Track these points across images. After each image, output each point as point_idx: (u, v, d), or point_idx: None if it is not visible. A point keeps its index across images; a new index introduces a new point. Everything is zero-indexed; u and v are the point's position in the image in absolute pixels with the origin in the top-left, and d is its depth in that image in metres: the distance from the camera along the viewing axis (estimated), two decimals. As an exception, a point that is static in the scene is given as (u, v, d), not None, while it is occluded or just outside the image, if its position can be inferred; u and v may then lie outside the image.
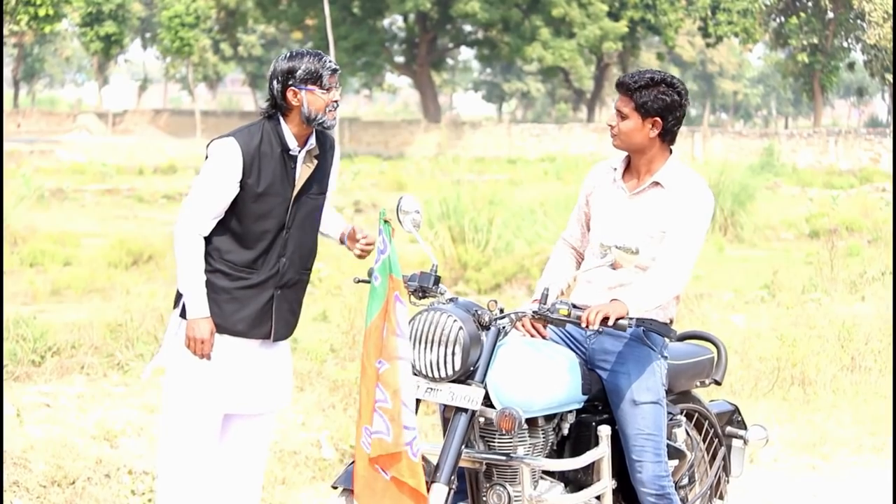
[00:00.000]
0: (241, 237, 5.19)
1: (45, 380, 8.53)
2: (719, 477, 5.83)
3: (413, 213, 5.10)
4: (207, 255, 5.18)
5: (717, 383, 5.75)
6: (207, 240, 5.19)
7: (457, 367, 4.65)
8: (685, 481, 5.52)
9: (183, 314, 5.21)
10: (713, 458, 5.82)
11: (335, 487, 4.68)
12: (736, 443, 5.92)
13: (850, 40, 57.69)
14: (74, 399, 8.05)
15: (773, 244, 21.39)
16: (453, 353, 4.65)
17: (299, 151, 5.25)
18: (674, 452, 5.28)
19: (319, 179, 5.34)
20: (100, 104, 79.71)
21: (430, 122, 60.85)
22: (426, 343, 4.69)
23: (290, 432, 7.78)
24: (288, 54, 5.25)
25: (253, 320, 5.20)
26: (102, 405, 7.94)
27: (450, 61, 79.99)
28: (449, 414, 4.71)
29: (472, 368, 4.70)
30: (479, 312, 4.75)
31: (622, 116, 4.94)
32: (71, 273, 15.31)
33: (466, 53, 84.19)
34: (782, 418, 8.79)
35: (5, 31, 59.02)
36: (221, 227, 5.19)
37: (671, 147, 5.01)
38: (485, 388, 4.68)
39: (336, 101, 5.22)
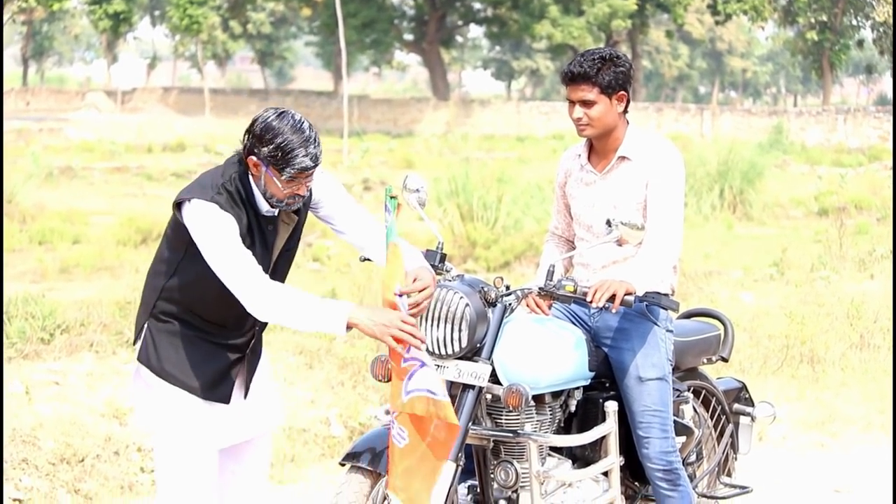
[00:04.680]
0: (214, 301, 4.45)
1: (54, 358, 8.53)
2: (727, 454, 5.85)
3: (418, 190, 5.07)
4: (176, 303, 4.49)
5: (724, 360, 5.77)
6: (180, 292, 4.48)
7: (463, 344, 4.63)
8: (693, 458, 5.54)
9: (140, 357, 4.56)
10: (721, 435, 5.83)
11: (343, 464, 4.68)
12: (744, 420, 5.95)
13: (859, 18, 57.55)
14: (83, 377, 8.06)
15: (781, 222, 21.36)
16: (460, 330, 4.63)
17: (275, 212, 4.52)
18: (681, 429, 5.30)
19: (298, 229, 4.65)
20: (109, 82, 79.70)
21: (439, 99, 60.78)
22: (433, 320, 4.66)
23: (299, 410, 7.79)
24: (277, 113, 4.32)
25: (213, 381, 4.53)
26: (111, 383, 7.95)
27: (459, 39, 79.73)
28: (456, 391, 4.68)
29: (478, 345, 4.68)
30: (486, 289, 4.73)
31: (588, 104, 4.91)
32: (80, 251, 15.34)
33: (475, 31, 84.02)
34: (791, 396, 8.79)
35: (14, 9, 59.04)
36: (193, 287, 4.45)
37: (627, 118, 5.03)
38: (491, 364, 4.68)
39: (299, 195, 4.39)
